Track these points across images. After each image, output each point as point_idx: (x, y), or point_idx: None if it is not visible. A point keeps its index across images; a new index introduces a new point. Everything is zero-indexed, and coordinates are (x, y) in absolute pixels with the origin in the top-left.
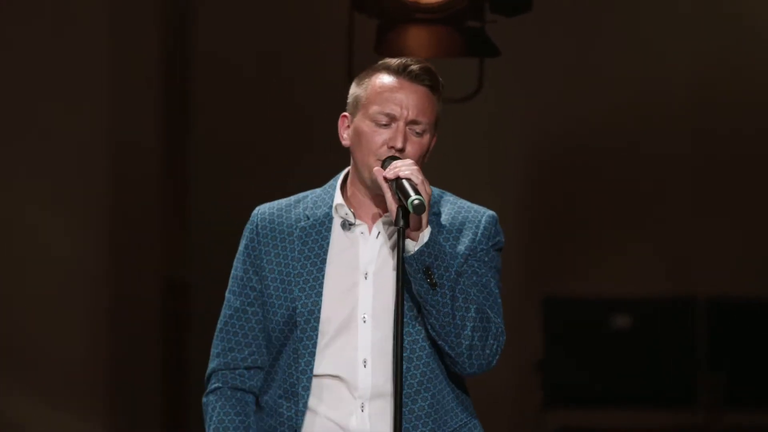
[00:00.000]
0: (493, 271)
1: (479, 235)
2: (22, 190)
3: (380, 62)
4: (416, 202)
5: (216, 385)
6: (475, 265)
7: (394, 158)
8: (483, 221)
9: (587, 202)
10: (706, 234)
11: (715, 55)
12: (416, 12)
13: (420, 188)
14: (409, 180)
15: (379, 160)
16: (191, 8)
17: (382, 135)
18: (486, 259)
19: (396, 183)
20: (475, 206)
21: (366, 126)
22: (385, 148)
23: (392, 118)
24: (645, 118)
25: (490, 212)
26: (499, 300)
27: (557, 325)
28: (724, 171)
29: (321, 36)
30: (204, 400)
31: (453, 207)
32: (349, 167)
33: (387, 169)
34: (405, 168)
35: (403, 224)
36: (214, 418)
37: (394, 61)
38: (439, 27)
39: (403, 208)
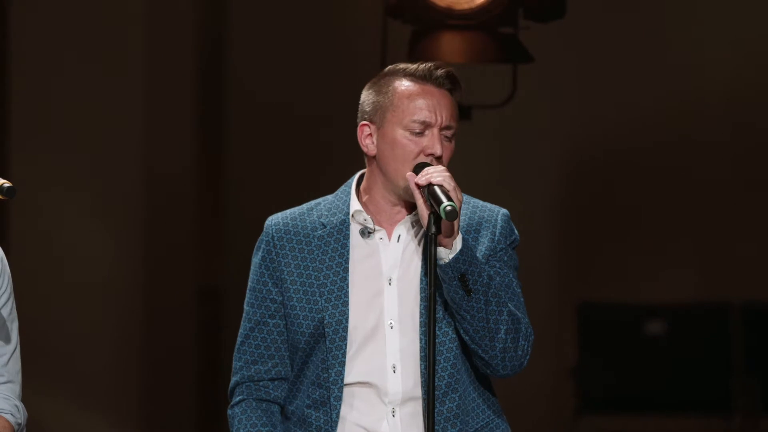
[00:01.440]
0: (513, 270)
1: (497, 235)
2: (61, 200)
3: (394, 68)
4: (448, 208)
5: (240, 397)
6: (497, 265)
7: (425, 164)
8: (499, 221)
9: (621, 208)
10: (742, 239)
11: (749, 65)
12: (450, 18)
13: (452, 195)
14: (441, 186)
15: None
16: (226, 18)
17: (418, 143)
18: (505, 258)
19: (428, 189)
20: (488, 205)
21: (400, 135)
22: (421, 156)
23: (427, 126)
24: (678, 122)
25: (504, 210)
26: (522, 298)
27: (591, 331)
28: (760, 176)
29: (354, 42)
30: (229, 412)
31: (467, 207)
32: (359, 173)
33: (419, 176)
34: (437, 174)
35: (434, 230)
36: (241, 430)
37: (415, 67)
38: (473, 33)
39: (434, 215)
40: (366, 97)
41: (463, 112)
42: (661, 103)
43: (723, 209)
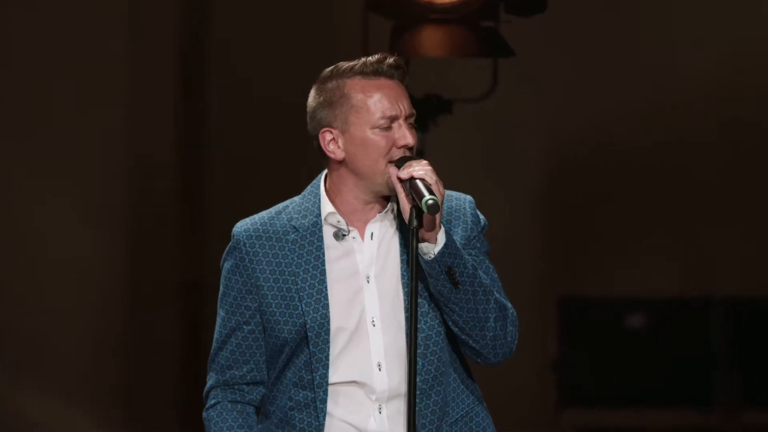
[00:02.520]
0: (486, 255)
1: (469, 223)
2: (41, 194)
3: (339, 70)
4: (430, 202)
5: (215, 400)
6: (473, 253)
7: (406, 159)
8: (468, 208)
9: (603, 202)
10: (723, 234)
11: (728, 58)
12: (431, 12)
13: (434, 188)
14: (422, 180)
15: (391, 161)
16: (207, 13)
17: (389, 138)
18: (479, 245)
19: (410, 183)
20: (453, 193)
21: (370, 134)
22: (394, 149)
23: (393, 119)
24: (660, 117)
25: (469, 197)
26: (500, 282)
27: (572, 325)
28: (741, 171)
29: (335, 38)
30: (204, 415)
31: None
32: (323, 174)
33: (401, 170)
34: (419, 168)
35: (416, 224)
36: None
37: (362, 63)
38: (454, 27)
39: (416, 209)
40: (317, 104)
41: (444, 106)
42: (644, 97)
43: (705, 204)
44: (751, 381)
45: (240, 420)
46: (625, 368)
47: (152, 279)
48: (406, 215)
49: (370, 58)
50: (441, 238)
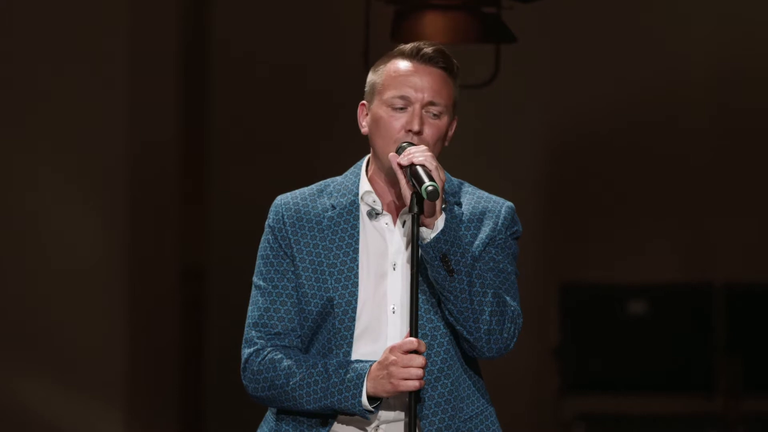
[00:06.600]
0: (510, 257)
1: (499, 224)
2: (43, 180)
3: (396, 49)
4: (430, 188)
5: (262, 355)
6: (493, 251)
7: (408, 144)
8: (503, 211)
9: (604, 188)
10: (724, 219)
11: (735, 35)
12: None
13: (434, 174)
14: (423, 166)
15: (396, 144)
16: (209, 0)
17: (399, 120)
18: (504, 246)
19: (410, 169)
20: (494, 197)
21: (383, 112)
22: (403, 132)
23: (408, 102)
24: (662, 103)
25: (509, 203)
26: (516, 285)
27: (574, 312)
28: (742, 156)
29: (338, 23)
30: (252, 369)
31: (473, 197)
32: (369, 155)
33: (401, 156)
34: (419, 154)
35: (417, 210)
36: (281, 367)
37: (407, 46)
38: (456, 13)
39: (417, 195)
40: (368, 77)
41: None
42: (646, 83)
43: (706, 191)
44: (752, 367)
45: (300, 354)
46: (627, 355)
47: (153, 265)
48: (407, 201)
49: (418, 42)
50: (439, 224)
